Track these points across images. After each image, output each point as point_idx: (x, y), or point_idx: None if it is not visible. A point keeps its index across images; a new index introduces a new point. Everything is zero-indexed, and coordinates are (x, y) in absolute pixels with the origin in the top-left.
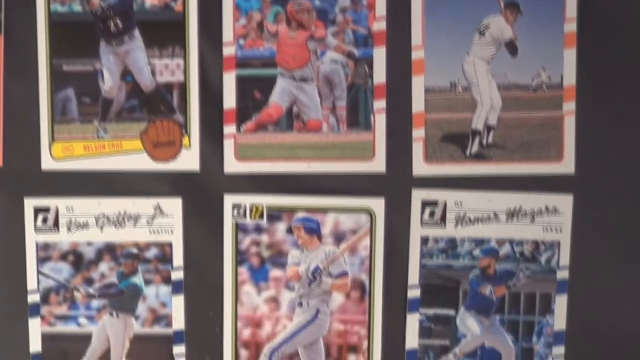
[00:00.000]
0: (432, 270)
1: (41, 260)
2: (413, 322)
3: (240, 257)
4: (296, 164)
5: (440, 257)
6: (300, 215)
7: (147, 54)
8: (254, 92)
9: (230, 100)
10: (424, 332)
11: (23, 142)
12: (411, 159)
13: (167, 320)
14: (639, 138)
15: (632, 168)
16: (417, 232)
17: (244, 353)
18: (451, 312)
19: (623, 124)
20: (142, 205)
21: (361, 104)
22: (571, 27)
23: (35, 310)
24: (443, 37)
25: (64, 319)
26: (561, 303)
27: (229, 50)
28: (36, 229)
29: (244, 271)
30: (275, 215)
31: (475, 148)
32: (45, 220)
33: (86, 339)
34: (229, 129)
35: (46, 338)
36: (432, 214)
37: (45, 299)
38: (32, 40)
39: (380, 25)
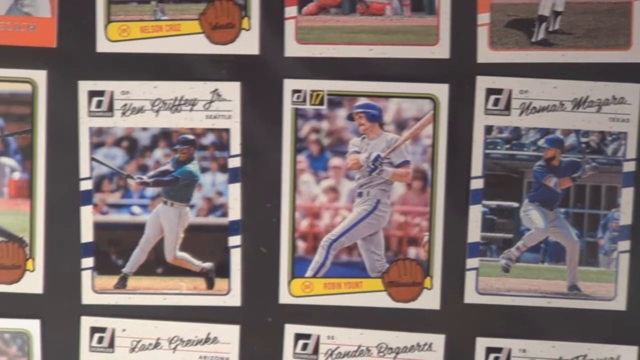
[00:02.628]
0: (496, 160)
1: (94, 146)
2: (475, 214)
3: (299, 145)
4: (358, 48)
5: (504, 146)
6: (362, 101)
7: None
8: None
9: None
10: (487, 225)
11: (77, 22)
12: (475, 44)
13: (222, 210)
14: None
15: None
16: (480, 120)
17: (301, 244)
18: (514, 204)
19: None
20: (200, 90)
21: None
22: None
23: (87, 197)
24: None
25: (117, 207)
26: (627, 196)
27: None
28: (90, 113)
29: (302, 159)
30: (335, 101)
31: (541, 34)
32: (99, 104)
33: (139, 228)
34: (290, 11)
35: (98, 227)
36: (496, 102)
37: (97, 187)
38: None
39: None
